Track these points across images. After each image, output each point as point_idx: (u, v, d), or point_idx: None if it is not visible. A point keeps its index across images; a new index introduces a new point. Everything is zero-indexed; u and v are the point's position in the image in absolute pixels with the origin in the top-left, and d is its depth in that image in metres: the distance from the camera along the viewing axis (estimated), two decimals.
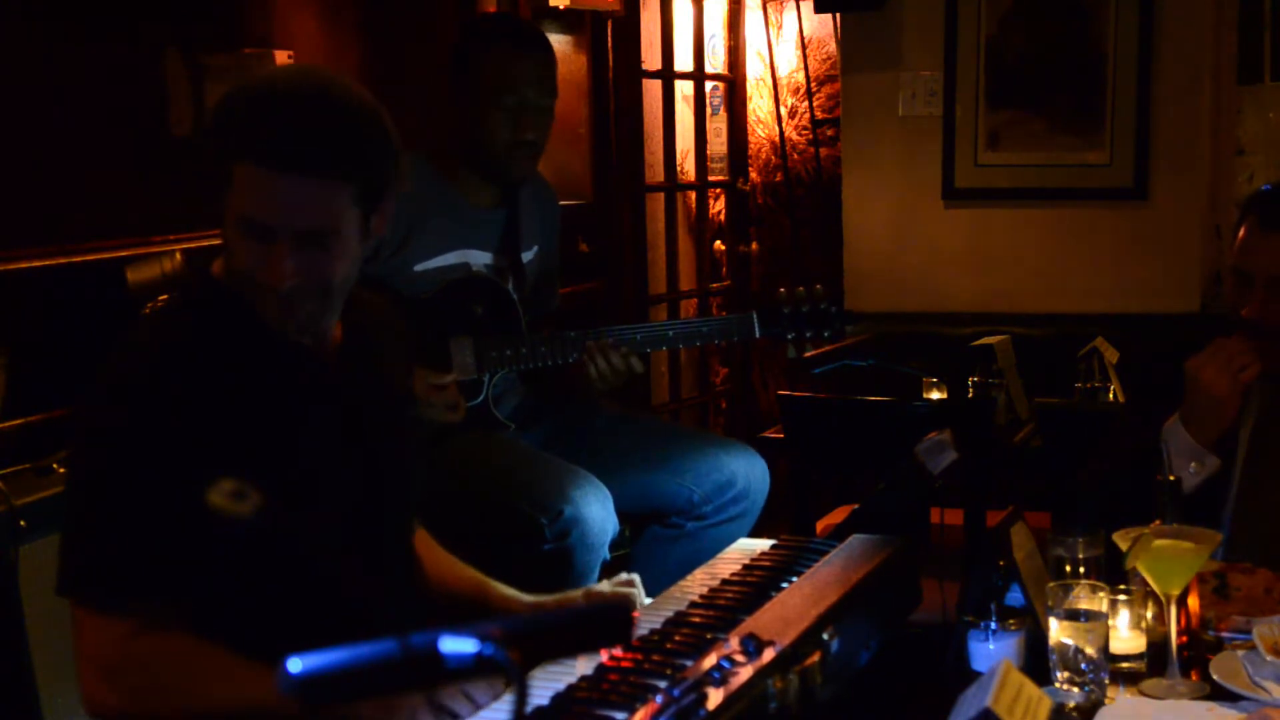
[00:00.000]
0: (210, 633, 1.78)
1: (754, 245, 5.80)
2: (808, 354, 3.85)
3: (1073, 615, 1.85)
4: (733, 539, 2.42)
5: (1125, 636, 1.97)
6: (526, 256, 3.12)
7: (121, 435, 1.78)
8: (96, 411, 1.82)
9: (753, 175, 5.76)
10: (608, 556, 2.86)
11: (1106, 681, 1.87)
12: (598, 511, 2.78)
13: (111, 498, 1.77)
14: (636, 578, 2.09)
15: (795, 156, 5.69)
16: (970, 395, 3.50)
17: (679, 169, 5.46)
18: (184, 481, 1.73)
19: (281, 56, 3.55)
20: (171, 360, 1.81)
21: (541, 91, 3.02)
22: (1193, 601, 2.04)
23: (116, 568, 1.76)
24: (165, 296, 2.02)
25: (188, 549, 1.76)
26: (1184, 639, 1.97)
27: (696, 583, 2.02)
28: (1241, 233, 2.47)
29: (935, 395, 3.62)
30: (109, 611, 1.75)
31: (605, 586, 2.10)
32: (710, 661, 1.57)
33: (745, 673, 1.53)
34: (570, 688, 1.58)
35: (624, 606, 1.30)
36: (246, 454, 1.80)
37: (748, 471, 3.10)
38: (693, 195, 5.67)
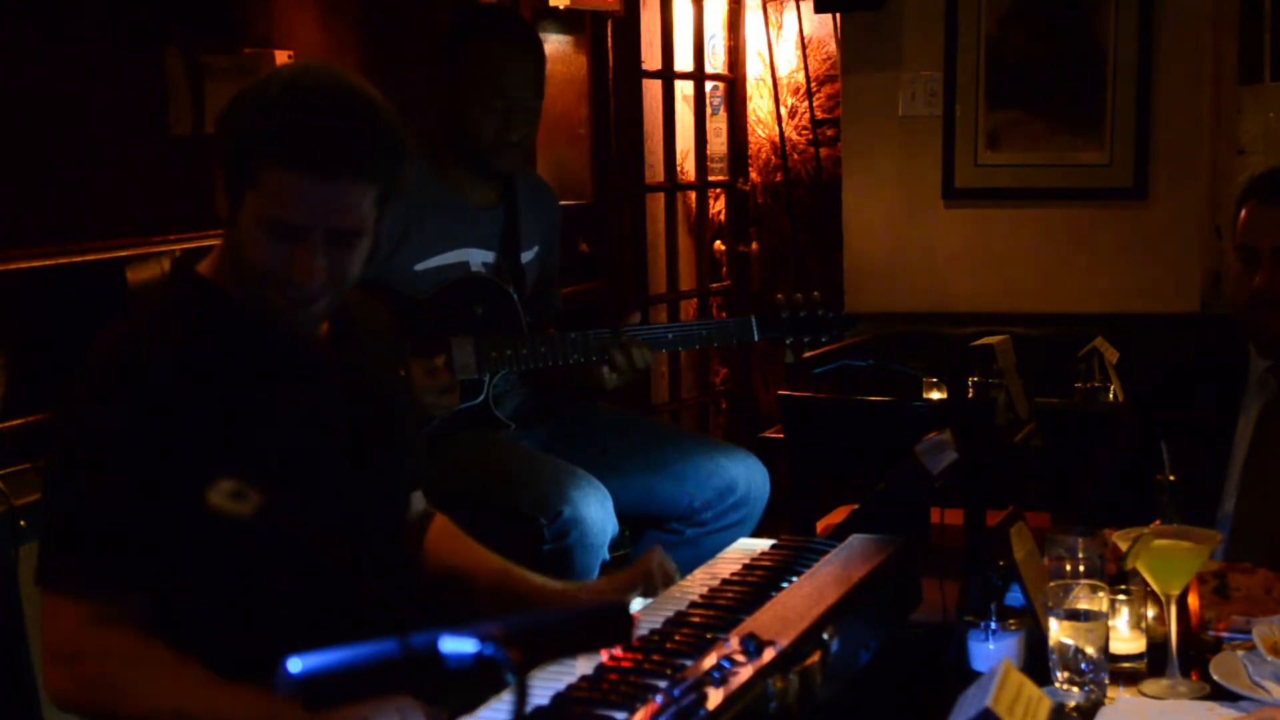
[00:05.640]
0: (197, 626, 1.79)
1: (754, 245, 5.79)
2: (807, 354, 3.85)
3: (1073, 615, 1.85)
4: None
5: (1125, 636, 1.97)
6: (526, 257, 3.12)
7: (102, 426, 1.79)
8: (78, 403, 1.83)
9: (753, 175, 5.76)
10: (607, 557, 2.85)
11: (1106, 681, 1.87)
12: (597, 512, 2.78)
13: (86, 487, 1.79)
14: (659, 547, 2.08)
15: (795, 156, 5.68)
16: (970, 395, 3.50)
17: (679, 169, 5.45)
18: (165, 473, 1.76)
19: (281, 56, 3.55)
20: (154, 352, 1.82)
21: (529, 94, 3.01)
22: (1193, 601, 2.04)
23: (79, 552, 1.78)
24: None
25: (161, 541, 1.77)
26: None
27: (696, 582, 2.01)
28: (1243, 214, 2.51)
29: (935, 395, 3.62)
30: (68, 594, 1.77)
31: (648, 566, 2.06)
32: (710, 661, 1.57)
33: (745, 673, 1.53)
34: (570, 688, 1.58)
35: (624, 606, 1.30)
36: (229, 444, 1.81)
37: (748, 478, 3.09)
38: (693, 195, 5.67)
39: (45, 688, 1.80)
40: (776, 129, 5.66)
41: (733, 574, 2.01)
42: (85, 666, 1.76)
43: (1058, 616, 1.86)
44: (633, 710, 1.50)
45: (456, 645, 1.17)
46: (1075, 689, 1.84)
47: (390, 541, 2.04)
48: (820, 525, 3.63)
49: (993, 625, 1.98)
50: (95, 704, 1.78)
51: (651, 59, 5.16)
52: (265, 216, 1.80)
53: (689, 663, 1.61)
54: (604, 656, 1.65)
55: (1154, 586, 1.95)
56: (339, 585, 1.87)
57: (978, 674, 1.82)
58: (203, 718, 1.72)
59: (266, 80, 1.84)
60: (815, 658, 1.62)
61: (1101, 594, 1.89)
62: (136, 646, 1.77)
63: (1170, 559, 1.92)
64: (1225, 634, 2.04)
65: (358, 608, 1.88)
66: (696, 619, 1.81)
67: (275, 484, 1.56)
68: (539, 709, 1.53)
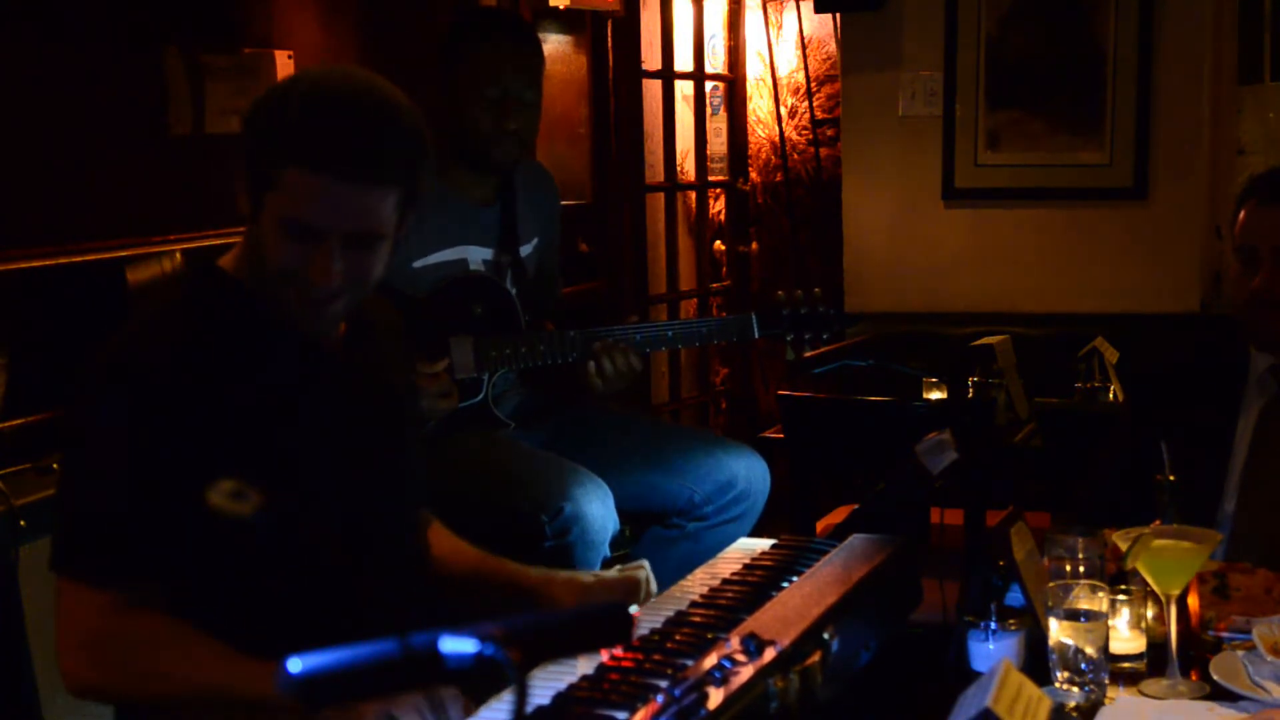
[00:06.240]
0: (205, 623, 1.79)
1: (754, 245, 5.80)
2: (807, 354, 3.85)
3: (1073, 615, 1.85)
4: (733, 540, 2.41)
5: (1125, 636, 1.97)
6: (525, 250, 3.12)
7: (118, 415, 1.79)
8: (94, 392, 1.83)
9: (753, 175, 5.76)
10: (609, 554, 2.86)
11: (1106, 681, 1.87)
12: (598, 509, 2.78)
13: (103, 475, 1.79)
14: (645, 563, 2.09)
15: (795, 156, 5.69)
16: (970, 395, 3.50)
17: (679, 169, 5.45)
18: (179, 463, 1.76)
19: (281, 56, 3.55)
20: (172, 345, 1.83)
21: (523, 83, 3.01)
22: (1193, 601, 2.04)
23: (98, 541, 1.78)
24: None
25: (177, 529, 1.77)
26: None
27: (697, 582, 2.01)
28: (1242, 215, 2.51)
29: (935, 395, 3.62)
30: (87, 583, 1.77)
31: (615, 571, 2.11)
32: (711, 661, 1.57)
33: (746, 672, 1.53)
34: (571, 687, 1.58)
35: (624, 606, 1.30)
36: (245, 441, 1.81)
37: (749, 472, 3.10)
38: (693, 195, 5.67)
39: (64, 676, 1.79)
40: (776, 129, 5.66)
41: (733, 574, 2.01)
42: (108, 652, 1.77)
43: (1058, 616, 1.86)
44: (633, 710, 1.50)
45: (456, 645, 1.17)
46: (1075, 689, 1.84)
47: (395, 542, 2.04)
48: (820, 525, 3.63)
49: (993, 625, 1.98)
50: (120, 688, 1.78)
51: (651, 59, 5.16)
52: (285, 216, 1.81)
53: (690, 662, 1.61)
54: (604, 656, 1.65)
55: (1154, 586, 1.95)
56: (344, 585, 1.88)
57: (978, 674, 1.82)
58: (233, 694, 1.72)
59: (292, 81, 1.86)
60: (815, 658, 1.62)
61: (1101, 594, 1.89)
62: (161, 628, 1.77)
63: (1170, 559, 1.92)
64: (1225, 634, 2.04)
65: (360, 608, 1.88)
66: (697, 619, 1.81)
67: (280, 481, 1.56)
68: (539, 709, 1.53)
